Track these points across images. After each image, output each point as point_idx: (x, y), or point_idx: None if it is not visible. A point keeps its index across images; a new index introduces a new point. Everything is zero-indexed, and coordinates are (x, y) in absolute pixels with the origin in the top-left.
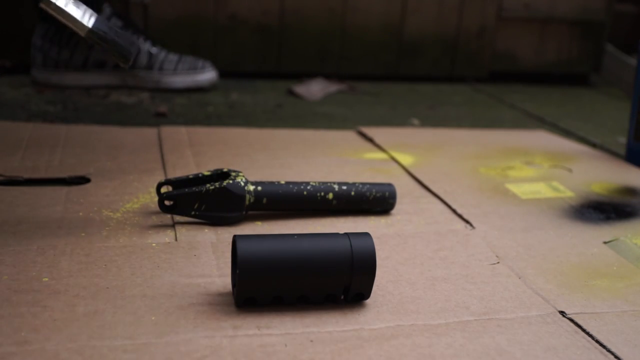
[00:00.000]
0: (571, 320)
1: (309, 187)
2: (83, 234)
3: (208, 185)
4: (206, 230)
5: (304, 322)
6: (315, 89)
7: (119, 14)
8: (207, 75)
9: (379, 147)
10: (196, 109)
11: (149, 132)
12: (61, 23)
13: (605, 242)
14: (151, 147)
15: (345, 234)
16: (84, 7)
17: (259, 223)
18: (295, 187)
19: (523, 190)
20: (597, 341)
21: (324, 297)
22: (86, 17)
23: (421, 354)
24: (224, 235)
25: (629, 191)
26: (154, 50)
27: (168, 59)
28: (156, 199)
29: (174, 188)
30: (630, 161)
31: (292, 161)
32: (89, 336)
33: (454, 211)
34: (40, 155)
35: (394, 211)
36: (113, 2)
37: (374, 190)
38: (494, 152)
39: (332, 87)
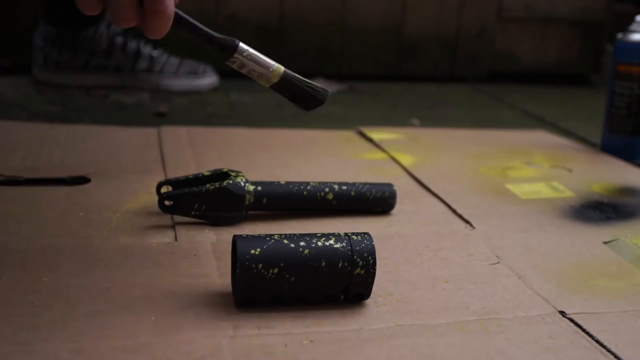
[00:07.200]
0: (571, 320)
1: (309, 187)
2: (83, 234)
3: (208, 185)
4: (206, 230)
5: (304, 322)
6: None
7: None
8: (208, 79)
9: (379, 147)
10: (196, 109)
11: (149, 132)
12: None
13: (605, 242)
14: (151, 147)
15: (345, 234)
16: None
17: (259, 223)
18: (295, 187)
19: (523, 190)
20: (597, 341)
21: (324, 297)
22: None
23: (421, 354)
24: (224, 235)
25: (629, 191)
26: (155, 53)
27: (169, 62)
28: (156, 199)
29: (174, 188)
30: (605, 151)
31: (292, 161)
32: (89, 336)
33: (454, 211)
34: (40, 155)
35: (394, 211)
36: None
37: (374, 190)
38: (494, 152)
39: (332, 87)
